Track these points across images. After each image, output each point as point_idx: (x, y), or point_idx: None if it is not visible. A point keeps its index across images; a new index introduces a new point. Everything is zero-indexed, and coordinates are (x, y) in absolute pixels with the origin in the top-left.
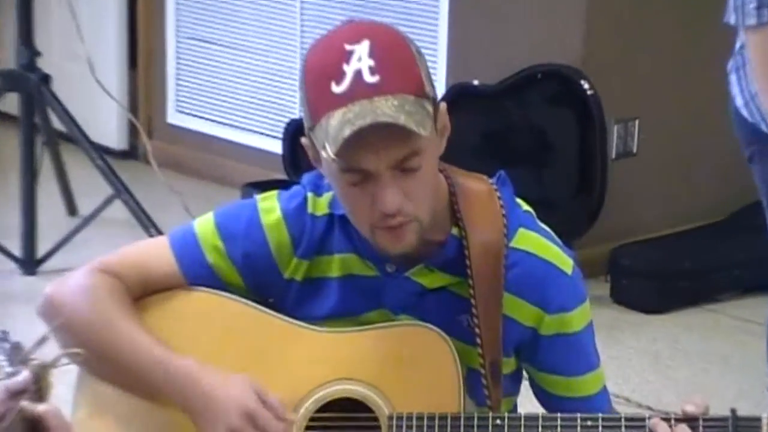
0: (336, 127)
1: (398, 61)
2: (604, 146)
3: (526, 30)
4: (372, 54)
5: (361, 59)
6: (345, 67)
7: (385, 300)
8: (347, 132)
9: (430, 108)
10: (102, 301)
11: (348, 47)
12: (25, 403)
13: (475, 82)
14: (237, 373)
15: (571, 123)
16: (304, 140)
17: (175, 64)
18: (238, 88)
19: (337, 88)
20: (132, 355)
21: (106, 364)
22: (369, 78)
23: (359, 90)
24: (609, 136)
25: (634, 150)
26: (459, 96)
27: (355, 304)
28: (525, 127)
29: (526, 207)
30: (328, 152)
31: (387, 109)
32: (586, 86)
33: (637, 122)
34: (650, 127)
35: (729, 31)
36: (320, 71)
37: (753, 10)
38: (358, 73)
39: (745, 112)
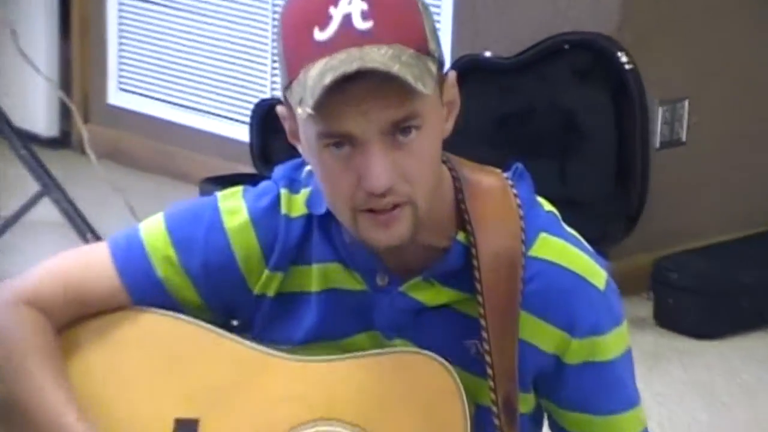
0: (315, 77)
1: (397, 5)
2: (646, 133)
3: None
4: None
5: (351, 2)
6: (332, 10)
7: (376, 319)
8: (328, 79)
9: (433, 68)
10: (18, 348)
11: None
12: None
13: (487, 54)
14: None
15: (606, 104)
16: (279, 109)
17: (117, 31)
18: (195, 62)
19: (320, 35)
20: (41, 414)
21: (14, 415)
22: (360, 23)
23: (347, 37)
24: (652, 120)
25: (683, 138)
26: (467, 71)
27: (338, 325)
28: (548, 109)
29: (548, 207)
30: (304, 108)
31: (378, 56)
32: (624, 59)
33: (686, 103)
34: (703, 109)
35: None
36: (301, 15)
37: None
38: (347, 18)
39: None
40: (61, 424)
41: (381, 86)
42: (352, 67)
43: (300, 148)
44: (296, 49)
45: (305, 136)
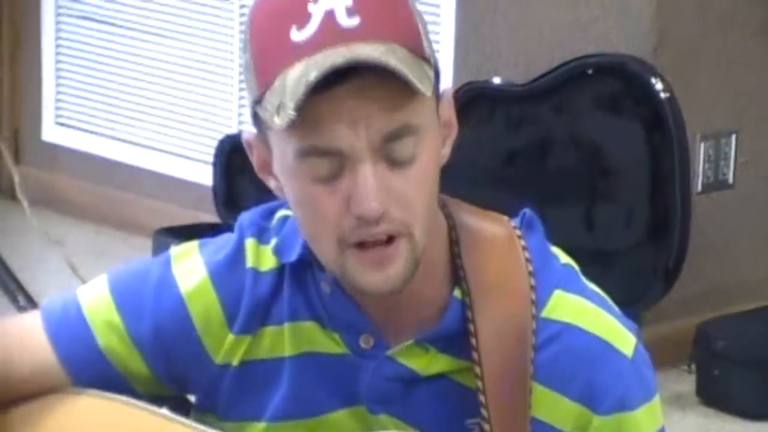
0: (296, 78)
1: (387, 2)
2: (686, 173)
3: (567, 7)
4: None
5: None
6: (311, 6)
7: (362, 392)
8: (313, 75)
9: (430, 73)
10: None
11: None
12: None
13: (497, 81)
14: None
15: (638, 139)
16: (246, 135)
17: (55, 55)
18: (146, 91)
19: (298, 35)
20: None
21: None
22: (345, 20)
23: (330, 35)
24: (693, 158)
25: (730, 179)
26: (473, 99)
27: (315, 398)
28: (569, 144)
29: (565, 259)
30: (283, 116)
31: (371, 52)
32: (660, 87)
33: (734, 138)
34: (753, 146)
35: None
36: (275, 18)
37: None
38: (330, 14)
39: None
40: None
41: (373, 89)
42: (339, 59)
43: (271, 183)
44: (269, 53)
45: (281, 159)
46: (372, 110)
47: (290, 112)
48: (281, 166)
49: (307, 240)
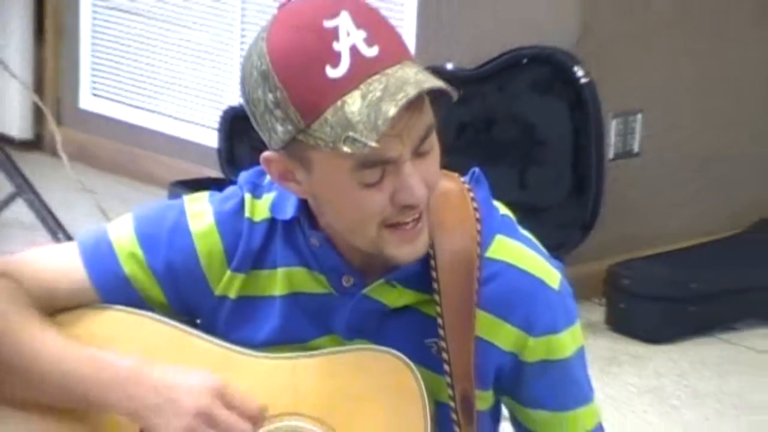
0: (364, 110)
1: (384, 26)
2: (601, 144)
3: (509, 4)
4: (358, 24)
5: (350, 33)
6: (336, 45)
7: (337, 323)
8: (392, 111)
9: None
10: (3, 308)
11: (328, 24)
12: None
13: (449, 66)
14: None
15: (563, 116)
16: (268, 155)
17: (91, 37)
18: (165, 69)
19: (334, 72)
20: (58, 363)
21: (15, 379)
22: (367, 51)
23: (363, 66)
24: (606, 131)
25: (636, 149)
26: None
27: (300, 328)
28: (507, 119)
29: (504, 211)
30: (359, 142)
31: (415, 76)
32: (581, 73)
33: (639, 116)
34: (655, 121)
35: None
36: (303, 58)
37: None
38: (355, 49)
39: None
40: (84, 357)
41: (412, 105)
42: (410, 92)
43: (292, 187)
44: (310, 91)
45: (327, 174)
46: (412, 121)
47: (371, 143)
48: (326, 180)
49: (342, 230)
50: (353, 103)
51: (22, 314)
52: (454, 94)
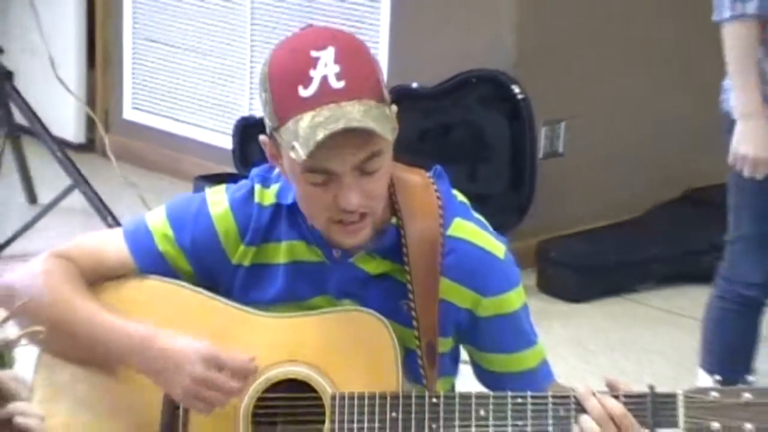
0: (307, 129)
1: (361, 67)
2: (534, 146)
3: (462, 36)
4: (337, 60)
5: (327, 65)
6: (312, 72)
7: (329, 286)
8: (320, 135)
9: (388, 112)
10: (56, 282)
11: (314, 53)
12: None
13: (414, 85)
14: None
15: (504, 124)
16: (262, 138)
17: (131, 63)
18: (190, 87)
19: (304, 92)
20: (89, 326)
21: (65, 340)
22: (335, 83)
23: (326, 94)
24: (538, 136)
25: (561, 150)
26: (399, 97)
27: (300, 290)
28: (461, 126)
29: (461, 198)
30: (298, 153)
31: (356, 114)
32: (517, 90)
33: (563, 124)
34: (576, 128)
35: (649, 37)
36: (287, 75)
37: (729, 4)
38: (325, 79)
39: None
40: (113, 324)
41: (356, 136)
42: (339, 125)
43: (279, 168)
44: (284, 101)
45: (289, 167)
46: (353, 148)
47: (303, 157)
48: (288, 169)
49: (303, 210)
50: (304, 121)
51: (74, 288)
52: (387, 136)
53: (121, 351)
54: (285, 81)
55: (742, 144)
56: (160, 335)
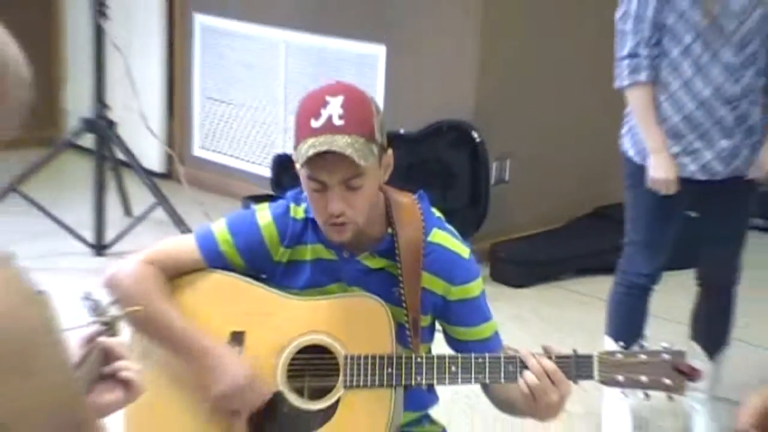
0: (305, 149)
1: (360, 113)
2: (487, 176)
3: (435, 95)
4: (343, 105)
5: (334, 107)
6: (322, 110)
7: (342, 276)
8: (310, 152)
9: (375, 149)
10: (147, 286)
11: (328, 98)
12: (102, 339)
13: (401, 131)
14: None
15: (466, 160)
16: (293, 155)
17: (200, 115)
18: (240, 132)
19: (314, 123)
20: (166, 326)
21: (148, 328)
22: (337, 121)
23: (328, 128)
24: (490, 168)
25: (507, 178)
26: (390, 140)
27: (321, 279)
28: (435, 162)
29: (438, 214)
30: (299, 164)
31: (341, 143)
32: (476, 135)
33: (509, 160)
34: (518, 162)
35: (581, 93)
36: (305, 111)
37: (627, 75)
38: (330, 116)
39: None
40: (182, 329)
41: (342, 159)
42: (323, 148)
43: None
44: (300, 129)
45: (302, 177)
46: (341, 167)
47: (298, 166)
48: (302, 179)
49: (313, 215)
50: (307, 143)
51: (159, 294)
52: (360, 162)
53: (185, 348)
54: (303, 115)
55: (656, 171)
56: (217, 350)
